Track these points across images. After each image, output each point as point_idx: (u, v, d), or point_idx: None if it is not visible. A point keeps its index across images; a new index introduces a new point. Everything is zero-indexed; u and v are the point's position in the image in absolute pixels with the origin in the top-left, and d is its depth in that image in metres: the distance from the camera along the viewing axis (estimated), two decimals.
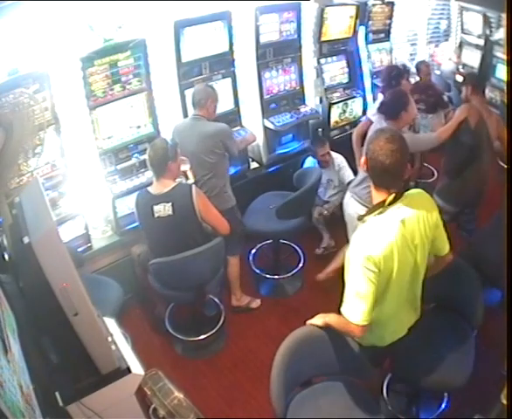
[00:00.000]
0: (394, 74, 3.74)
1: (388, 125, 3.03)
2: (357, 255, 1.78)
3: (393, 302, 1.96)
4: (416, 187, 3.85)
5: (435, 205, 1.97)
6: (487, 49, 5.32)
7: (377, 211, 1.85)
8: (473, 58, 5.52)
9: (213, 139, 3.08)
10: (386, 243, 1.79)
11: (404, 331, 2.12)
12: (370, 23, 4.83)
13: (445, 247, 2.05)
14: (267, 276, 3.75)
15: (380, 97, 3.85)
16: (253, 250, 3.90)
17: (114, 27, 3.09)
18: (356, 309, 1.80)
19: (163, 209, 2.74)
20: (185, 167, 3.02)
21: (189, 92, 3.63)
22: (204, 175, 3.12)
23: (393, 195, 1.83)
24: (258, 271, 3.77)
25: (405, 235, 1.84)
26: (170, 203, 2.73)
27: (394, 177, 1.83)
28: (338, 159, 4.10)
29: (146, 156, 2.86)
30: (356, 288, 1.79)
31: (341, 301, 1.88)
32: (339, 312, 1.90)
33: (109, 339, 1.86)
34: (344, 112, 4.55)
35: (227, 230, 2.92)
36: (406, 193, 1.89)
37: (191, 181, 3.09)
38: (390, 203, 1.83)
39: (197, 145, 3.06)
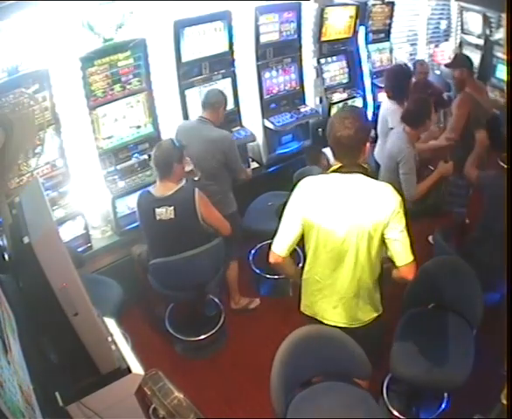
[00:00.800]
0: (404, 73, 3.77)
1: (408, 131, 3.05)
2: (291, 196, 2.06)
3: (318, 271, 2.06)
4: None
5: (396, 207, 1.88)
6: (487, 49, 5.32)
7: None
8: (473, 58, 5.51)
9: (215, 144, 3.05)
10: (311, 196, 1.99)
11: (329, 319, 2.12)
12: (370, 23, 4.84)
13: (399, 258, 1.93)
14: (267, 276, 3.75)
15: (384, 96, 3.85)
16: (253, 251, 3.90)
17: (115, 26, 3.09)
18: (276, 239, 2.07)
19: (165, 213, 2.72)
20: (189, 167, 3.01)
21: (189, 92, 3.64)
22: (206, 179, 3.09)
23: (339, 165, 1.96)
24: (258, 271, 3.77)
25: (334, 206, 1.94)
26: (172, 207, 2.71)
27: (345, 150, 1.94)
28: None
29: (150, 156, 2.84)
30: (282, 223, 2.06)
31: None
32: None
33: (109, 339, 1.86)
34: None
35: (229, 231, 2.92)
36: (368, 179, 1.94)
37: (197, 177, 3.08)
38: (334, 171, 1.97)
39: (199, 149, 3.03)
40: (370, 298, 2.08)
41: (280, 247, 2.06)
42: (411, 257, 1.94)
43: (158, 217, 2.73)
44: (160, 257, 2.78)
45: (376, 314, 2.13)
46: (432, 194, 3.20)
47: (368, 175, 1.96)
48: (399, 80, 3.68)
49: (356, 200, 1.92)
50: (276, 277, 3.75)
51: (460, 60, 3.81)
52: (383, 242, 1.94)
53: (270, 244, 3.88)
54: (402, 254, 1.93)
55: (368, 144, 1.98)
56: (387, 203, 1.89)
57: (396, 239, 1.91)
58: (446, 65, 4.07)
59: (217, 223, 2.89)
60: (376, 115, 4.61)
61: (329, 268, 2.03)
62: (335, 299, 2.08)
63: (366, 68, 4.89)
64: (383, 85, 4.74)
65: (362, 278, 2.01)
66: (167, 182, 2.75)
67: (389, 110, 3.62)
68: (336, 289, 2.05)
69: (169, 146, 2.75)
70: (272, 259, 2.09)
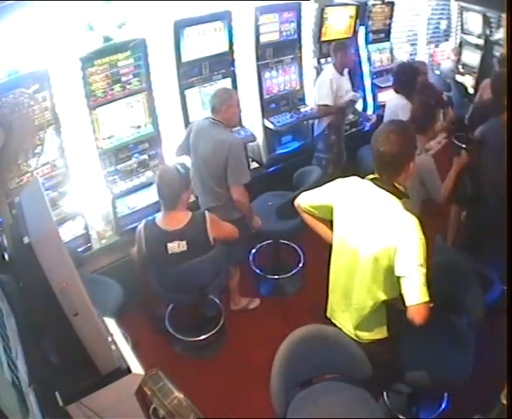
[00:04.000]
0: (412, 69, 3.83)
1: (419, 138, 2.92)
2: (333, 182, 2.10)
3: (335, 271, 2.11)
4: None
5: (415, 243, 1.76)
6: (487, 49, 5.32)
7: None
8: (473, 58, 5.53)
9: (221, 145, 2.92)
10: (344, 197, 2.00)
11: (337, 320, 2.15)
12: (370, 23, 4.85)
13: (408, 297, 1.75)
14: (267, 276, 3.75)
15: (391, 93, 3.88)
16: (253, 250, 3.90)
17: (115, 26, 3.09)
18: (308, 193, 2.21)
19: (177, 247, 2.66)
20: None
21: (189, 92, 3.65)
22: (212, 182, 3.05)
23: (376, 176, 1.91)
24: (258, 271, 3.77)
25: (355, 216, 1.93)
26: (185, 242, 2.65)
27: (387, 166, 1.87)
28: None
29: (156, 186, 2.72)
30: (318, 189, 2.17)
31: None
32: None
33: (109, 339, 1.86)
34: None
35: (238, 234, 2.90)
36: (397, 204, 1.86)
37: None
38: (371, 180, 1.93)
39: (206, 150, 2.99)
40: (376, 318, 2.02)
41: (303, 199, 2.19)
42: (423, 298, 1.73)
43: (170, 251, 2.67)
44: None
45: (378, 337, 2.06)
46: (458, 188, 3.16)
47: (400, 200, 1.87)
48: (408, 76, 3.73)
49: (375, 219, 1.86)
50: (276, 277, 3.76)
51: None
52: (393, 272, 1.83)
53: (270, 244, 3.90)
54: (412, 294, 1.74)
55: (412, 163, 1.89)
56: (402, 236, 1.77)
57: (406, 277, 1.75)
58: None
59: (228, 235, 2.86)
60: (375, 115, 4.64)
61: (343, 272, 2.03)
62: (344, 303, 2.08)
63: (366, 68, 4.90)
64: (383, 85, 4.77)
65: (366, 295, 1.95)
66: (175, 212, 2.67)
67: (398, 105, 3.66)
68: (346, 295, 2.04)
69: (174, 175, 2.61)
70: (295, 202, 2.24)
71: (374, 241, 1.85)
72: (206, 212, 2.79)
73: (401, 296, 1.81)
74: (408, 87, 3.69)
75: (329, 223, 2.15)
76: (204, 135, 3.03)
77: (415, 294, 1.74)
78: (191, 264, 2.70)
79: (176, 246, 2.66)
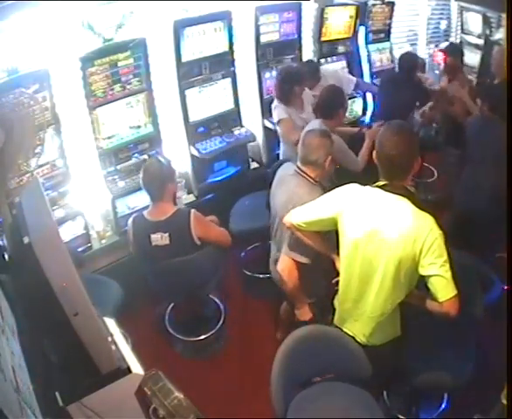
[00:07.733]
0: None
1: (323, 124, 2.93)
2: (336, 190, 2.04)
3: (347, 283, 2.02)
4: (415, 187, 3.88)
5: (435, 241, 1.76)
6: (487, 49, 5.32)
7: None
8: (473, 58, 5.52)
9: (284, 208, 2.39)
10: (352, 204, 1.94)
11: (349, 329, 2.10)
12: (370, 23, 4.85)
13: (441, 294, 1.79)
14: (268, 276, 3.74)
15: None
16: (249, 251, 3.88)
17: (115, 26, 3.10)
18: (300, 210, 2.14)
19: (160, 239, 2.64)
20: (180, 193, 2.95)
21: (189, 93, 3.64)
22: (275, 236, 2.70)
23: (385, 182, 1.88)
24: (256, 272, 3.76)
25: (370, 223, 1.87)
26: (168, 234, 2.63)
27: (396, 169, 1.85)
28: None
29: (140, 180, 2.68)
30: (314, 202, 2.10)
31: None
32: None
33: (109, 339, 1.86)
34: None
35: (230, 241, 2.86)
36: (411, 205, 1.83)
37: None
38: (379, 187, 1.89)
39: (277, 208, 2.58)
40: (391, 320, 2.02)
41: (296, 217, 2.12)
42: (454, 292, 1.78)
43: (154, 243, 2.65)
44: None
45: (393, 337, 2.07)
46: None
47: (412, 201, 1.85)
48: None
49: (393, 223, 1.82)
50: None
51: (455, 48, 4.03)
52: (415, 272, 1.84)
53: (269, 244, 3.88)
54: (444, 289, 1.78)
55: (417, 162, 1.87)
56: (425, 236, 1.76)
57: (436, 275, 1.78)
58: (440, 50, 4.18)
59: (216, 239, 2.80)
60: (373, 115, 4.65)
61: (356, 283, 1.98)
62: (356, 313, 2.05)
63: (366, 68, 4.90)
64: None
65: (385, 302, 1.94)
66: (161, 203, 2.66)
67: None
68: (359, 305, 2.02)
69: (158, 166, 2.63)
70: (285, 221, 2.20)
71: (396, 245, 1.81)
72: (192, 209, 2.73)
73: (428, 292, 1.83)
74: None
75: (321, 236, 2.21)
76: (279, 187, 2.61)
77: (447, 290, 1.78)
78: (175, 263, 2.67)
79: (159, 238, 2.64)
